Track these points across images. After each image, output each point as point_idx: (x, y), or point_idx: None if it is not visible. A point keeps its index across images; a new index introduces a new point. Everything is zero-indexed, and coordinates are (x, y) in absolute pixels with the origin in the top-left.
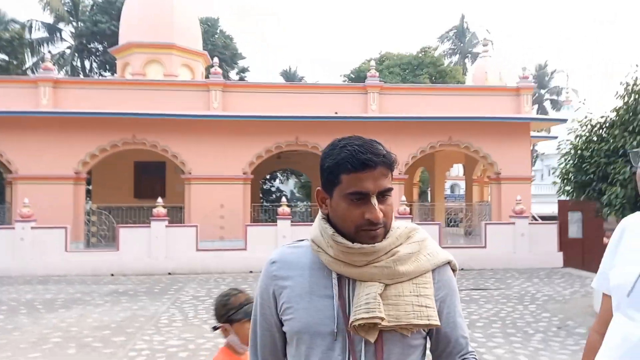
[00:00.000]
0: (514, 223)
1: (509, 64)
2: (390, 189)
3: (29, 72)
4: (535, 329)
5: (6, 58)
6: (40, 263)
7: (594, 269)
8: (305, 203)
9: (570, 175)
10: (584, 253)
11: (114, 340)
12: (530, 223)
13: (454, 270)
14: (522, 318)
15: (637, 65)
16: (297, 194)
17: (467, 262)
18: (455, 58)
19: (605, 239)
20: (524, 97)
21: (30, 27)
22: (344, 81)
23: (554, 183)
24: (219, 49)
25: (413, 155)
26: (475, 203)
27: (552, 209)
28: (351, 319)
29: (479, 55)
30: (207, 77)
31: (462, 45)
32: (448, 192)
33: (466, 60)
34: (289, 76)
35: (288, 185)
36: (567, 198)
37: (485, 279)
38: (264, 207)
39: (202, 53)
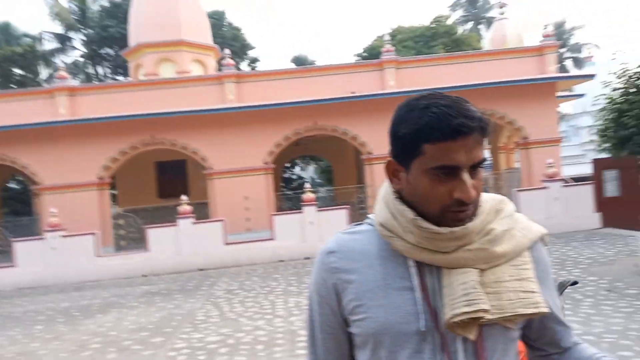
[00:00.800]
0: (546, 187)
1: (527, 24)
2: (484, 160)
3: (44, 84)
4: (584, 294)
5: (22, 72)
6: (72, 270)
7: (636, 227)
8: (327, 188)
9: (609, 131)
10: (623, 212)
11: (153, 341)
12: (563, 186)
13: (545, 245)
14: None
15: None
16: (317, 180)
17: None
18: (468, 25)
19: None
20: (547, 57)
21: (41, 39)
22: (357, 60)
23: (593, 141)
24: (229, 41)
25: None
26: (503, 171)
27: (581, 170)
28: (449, 315)
29: (493, 19)
30: (219, 70)
31: (475, 11)
32: None
33: (480, 26)
34: (300, 61)
35: (308, 172)
36: (608, 155)
37: None
38: (287, 196)
39: (212, 47)
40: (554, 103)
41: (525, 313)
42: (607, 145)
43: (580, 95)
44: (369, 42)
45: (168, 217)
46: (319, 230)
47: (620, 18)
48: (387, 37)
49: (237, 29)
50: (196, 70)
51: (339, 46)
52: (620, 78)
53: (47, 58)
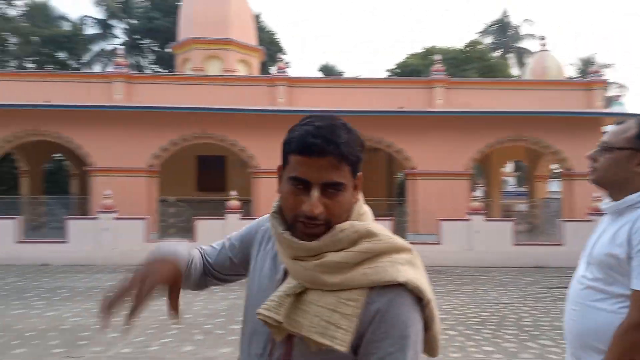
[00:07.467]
0: (592, 220)
1: (563, 58)
2: (339, 184)
3: (83, 68)
4: None
5: (64, 54)
6: (121, 252)
7: None
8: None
9: None
10: None
11: (232, 328)
12: None
13: (420, 299)
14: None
15: None
16: None
17: (543, 259)
18: (497, 53)
19: None
20: (595, 92)
21: (83, 23)
22: (389, 76)
23: None
24: (266, 44)
25: (480, 150)
26: (539, 199)
27: None
28: (258, 310)
29: (522, 50)
30: (262, 72)
31: (505, 39)
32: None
33: (509, 55)
34: (328, 71)
35: None
36: None
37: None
38: None
39: (257, 48)
40: (599, 137)
41: (318, 340)
42: None
43: None
44: (401, 58)
45: (208, 210)
46: None
47: None
48: (439, 56)
49: (273, 33)
50: (241, 70)
51: (370, 60)
52: None
53: (87, 43)
